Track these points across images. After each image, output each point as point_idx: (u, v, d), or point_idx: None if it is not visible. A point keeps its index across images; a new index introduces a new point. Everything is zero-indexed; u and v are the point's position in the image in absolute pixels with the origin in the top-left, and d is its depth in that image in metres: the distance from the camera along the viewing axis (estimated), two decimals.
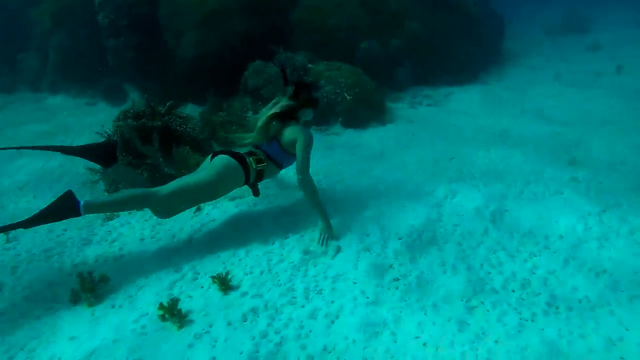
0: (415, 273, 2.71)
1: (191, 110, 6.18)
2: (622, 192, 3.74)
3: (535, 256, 2.88)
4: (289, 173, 3.95)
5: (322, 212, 3.06)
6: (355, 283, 2.64)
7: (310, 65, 6.60)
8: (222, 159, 3.00)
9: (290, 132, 3.12)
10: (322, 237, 3.02)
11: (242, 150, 3.19)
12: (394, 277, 2.68)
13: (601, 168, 4.31)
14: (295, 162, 3.11)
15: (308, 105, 3.25)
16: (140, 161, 3.93)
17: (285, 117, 3.18)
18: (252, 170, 3.07)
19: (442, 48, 8.13)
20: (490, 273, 2.71)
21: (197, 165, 3.46)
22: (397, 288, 2.59)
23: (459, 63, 8.44)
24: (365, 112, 6.06)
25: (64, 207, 2.53)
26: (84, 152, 3.03)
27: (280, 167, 3.30)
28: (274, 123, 3.16)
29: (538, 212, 3.41)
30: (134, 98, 6.01)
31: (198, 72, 6.68)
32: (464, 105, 6.85)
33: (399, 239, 3.06)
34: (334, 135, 5.75)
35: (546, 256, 2.87)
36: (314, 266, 2.83)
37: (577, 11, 16.18)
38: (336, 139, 5.56)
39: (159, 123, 4.12)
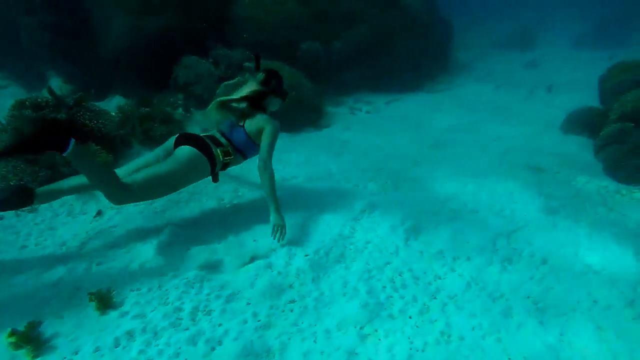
0: (315, 294, 2.60)
1: (118, 102, 5.77)
2: None
3: (440, 279, 2.84)
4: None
5: (276, 203, 2.95)
6: (248, 304, 2.49)
7: (247, 63, 6.37)
8: (189, 151, 2.86)
9: (257, 121, 3.07)
10: (275, 231, 2.90)
11: (206, 135, 3.08)
12: (291, 299, 2.55)
13: None
14: (258, 154, 3.04)
15: (277, 94, 3.21)
16: (37, 157, 3.56)
17: (255, 102, 3.12)
18: (218, 163, 3.01)
19: (391, 53, 8.15)
20: (391, 297, 2.63)
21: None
22: (291, 310, 2.46)
23: (408, 70, 8.50)
24: (301, 116, 5.93)
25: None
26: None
27: (245, 157, 3.22)
28: (243, 105, 3.08)
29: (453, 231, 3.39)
30: (51, 85, 5.52)
31: (129, 63, 6.28)
32: (402, 114, 6.86)
33: (305, 255, 2.93)
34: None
35: (450, 279, 2.84)
36: (209, 282, 2.64)
37: (523, 28, 16.96)
38: None
39: (64, 116, 3.77)
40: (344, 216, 3.47)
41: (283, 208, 3.05)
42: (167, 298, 2.50)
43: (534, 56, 13.61)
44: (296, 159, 4.72)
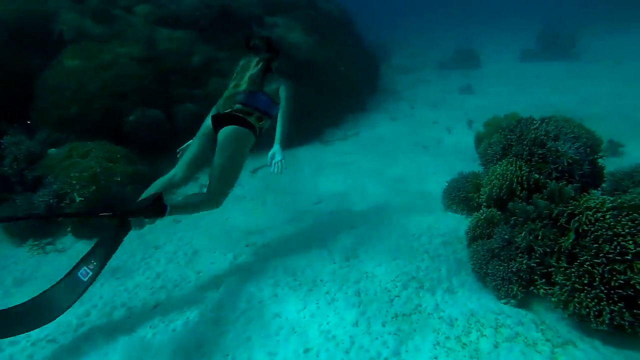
0: None
1: None
2: None
3: None
4: None
5: (284, 140, 3.14)
6: None
7: (52, 150, 5.05)
8: (233, 130, 3.14)
9: (272, 82, 3.36)
10: (275, 161, 3.00)
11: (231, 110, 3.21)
12: None
13: None
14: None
15: (277, 53, 3.59)
16: None
17: (269, 68, 3.45)
18: (257, 129, 3.27)
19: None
20: None
21: None
22: None
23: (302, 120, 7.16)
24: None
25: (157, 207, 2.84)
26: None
27: (270, 117, 3.38)
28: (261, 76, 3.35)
29: None
30: None
31: None
32: (271, 181, 5.50)
33: None
34: (55, 253, 4.20)
35: None
36: None
37: (470, 45, 15.95)
38: (56, 258, 4.02)
39: None
40: None
41: None
42: None
43: (474, 77, 12.45)
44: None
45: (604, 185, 3.46)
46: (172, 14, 6.67)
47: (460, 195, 4.11)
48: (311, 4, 9.24)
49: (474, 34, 21.48)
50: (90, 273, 2.59)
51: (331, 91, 8.36)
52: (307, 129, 7.49)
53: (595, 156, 3.40)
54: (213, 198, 3.14)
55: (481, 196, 3.61)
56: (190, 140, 3.43)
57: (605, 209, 2.68)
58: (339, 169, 5.89)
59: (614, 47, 14.56)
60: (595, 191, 3.22)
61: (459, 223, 4.01)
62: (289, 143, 7.19)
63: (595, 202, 2.77)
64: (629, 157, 5.56)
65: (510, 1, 30.40)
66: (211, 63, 6.66)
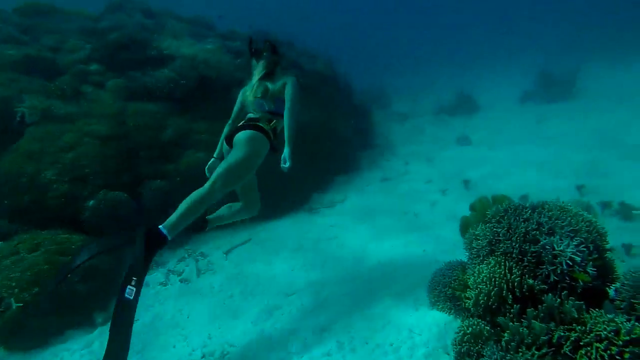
0: None
1: None
2: None
3: None
4: None
5: (292, 140, 3.24)
6: None
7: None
8: (243, 133, 3.32)
9: (277, 80, 3.49)
10: (285, 166, 3.18)
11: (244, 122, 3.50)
12: None
13: None
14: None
15: (282, 56, 3.74)
16: None
17: (274, 70, 3.59)
18: (270, 132, 3.39)
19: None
20: None
21: None
22: None
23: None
24: (51, 321, 4.04)
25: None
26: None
27: (282, 115, 3.37)
28: (267, 83, 3.48)
29: None
30: None
31: None
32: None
33: None
34: None
35: None
36: None
37: (469, 86, 15.72)
38: None
39: None
40: None
41: None
42: None
43: (472, 124, 12.05)
44: None
45: (616, 288, 2.81)
46: (145, 87, 6.43)
47: (447, 291, 3.51)
48: (297, 65, 9.06)
49: (474, 73, 21.41)
50: (135, 289, 2.68)
51: (319, 153, 7.97)
52: (292, 195, 7.05)
53: (600, 254, 2.81)
54: (208, 188, 3.07)
55: (467, 301, 3.02)
56: (212, 159, 3.77)
57: (621, 342, 2.08)
58: (319, 249, 5.34)
59: (613, 84, 14.15)
60: (607, 304, 2.60)
61: (445, 327, 3.39)
62: (272, 213, 6.86)
63: (606, 328, 2.18)
64: None
65: (511, 37, 30.63)
66: (185, 136, 6.33)
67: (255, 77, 3.51)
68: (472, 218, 3.54)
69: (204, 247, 5.67)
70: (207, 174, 3.64)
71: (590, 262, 2.70)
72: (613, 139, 8.48)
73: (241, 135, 3.29)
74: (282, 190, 6.88)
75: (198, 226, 3.25)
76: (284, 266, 4.99)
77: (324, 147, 8.12)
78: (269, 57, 3.59)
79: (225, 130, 3.70)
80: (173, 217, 2.91)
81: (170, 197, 5.86)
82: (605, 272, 2.83)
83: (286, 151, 3.19)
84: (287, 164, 3.16)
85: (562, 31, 25.06)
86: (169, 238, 2.80)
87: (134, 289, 2.64)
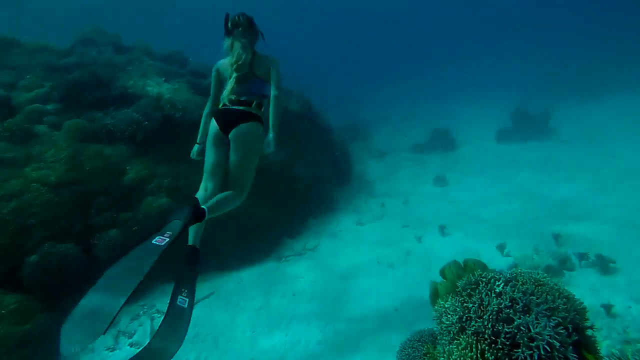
0: None
1: None
2: None
3: None
4: None
5: (278, 124, 3.34)
6: None
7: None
8: (244, 128, 3.29)
9: (261, 62, 3.40)
10: (269, 151, 3.33)
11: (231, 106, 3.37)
12: None
13: None
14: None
15: (260, 34, 3.50)
16: None
17: (252, 51, 3.42)
18: (262, 116, 3.42)
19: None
20: None
21: None
22: None
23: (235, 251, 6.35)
24: None
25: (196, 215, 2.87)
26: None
27: (267, 96, 3.42)
28: (250, 57, 3.36)
29: None
30: None
31: None
32: None
33: None
34: None
35: None
36: None
37: (447, 122, 15.83)
38: None
39: None
40: None
41: None
42: None
43: (449, 163, 11.99)
44: None
45: None
46: (106, 128, 6.09)
47: None
48: None
49: (452, 107, 21.70)
50: (187, 299, 3.01)
51: (292, 194, 7.68)
52: (261, 243, 6.68)
53: (580, 334, 2.53)
54: (239, 193, 3.30)
55: None
56: (196, 145, 3.73)
57: None
58: (284, 308, 4.96)
59: (586, 121, 14.45)
60: None
61: None
62: (239, 263, 6.47)
63: None
64: (624, 276, 4.74)
65: (488, 73, 31.46)
66: (146, 180, 5.97)
67: (236, 57, 3.31)
68: (441, 287, 3.24)
69: (160, 303, 5.21)
70: (194, 157, 3.74)
71: (570, 347, 2.42)
72: (590, 177, 8.45)
73: (241, 130, 3.28)
74: (252, 236, 6.54)
75: (199, 216, 3.00)
76: (246, 327, 4.58)
77: (298, 187, 7.84)
78: (247, 33, 3.39)
79: (207, 112, 3.64)
80: (213, 202, 3.14)
81: (125, 249, 5.44)
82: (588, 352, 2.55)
83: (270, 136, 3.31)
84: (271, 149, 3.30)
85: (537, 69, 25.81)
86: (207, 217, 2.95)
87: (187, 299, 3.06)
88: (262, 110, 3.45)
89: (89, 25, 10.24)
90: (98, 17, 17.22)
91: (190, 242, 3.27)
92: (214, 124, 3.38)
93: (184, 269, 3.13)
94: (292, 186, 7.71)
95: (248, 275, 5.89)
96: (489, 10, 47.81)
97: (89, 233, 5.26)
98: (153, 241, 2.55)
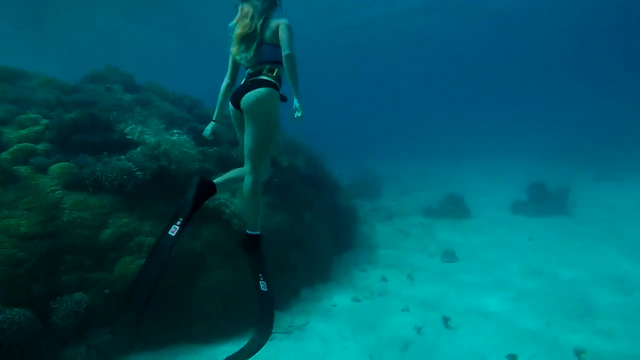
0: None
1: None
2: None
3: None
4: None
5: (298, 86, 3.08)
6: None
7: None
8: (250, 95, 3.10)
9: (270, 26, 3.20)
10: (297, 116, 3.12)
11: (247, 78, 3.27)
12: None
13: None
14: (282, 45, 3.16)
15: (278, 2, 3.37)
16: None
17: (269, 11, 3.27)
18: (276, 82, 3.20)
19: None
20: None
21: None
22: None
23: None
24: None
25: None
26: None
27: (281, 62, 3.17)
28: (261, 22, 3.22)
29: None
30: None
31: None
32: None
33: None
34: None
35: None
36: None
37: (459, 187, 15.31)
38: None
39: None
40: None
41: None
42: None
43: (459, 233, 11.36)
44: None
45: None
46: (94, 176, 5.69)
47: None
48: (274, 162, 8.43)
49: (465, 170, 21.30)
50: (265, 282, 3.26)
51: (287, 264, 7.12)
52: (245, 317, 6.04)
53: None
54: (249, 171, 3.19)
55: None
56: (212, 122, 3.65)
57: None
58: None
59: (606, 201, 13.79)
60: None
61: None
62: (217, 338, 5.83)
63: None
64: None
65: (504, 140, 31.30)
66: (127, 237, 5.49)
67: (246, 26, 3.21)
68: None
69: None
70: (207, 136, 3.68)
71: None
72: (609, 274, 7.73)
73: (251, 97, 3.10)
74: (235, 309, 5.93)
75: (210, 191, 3.14)
76: None
77: (292, 256, 7.27)
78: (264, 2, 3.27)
79: (224, 87, 3.48)
80: (226, 177, 3.35)
81: (91, 315, 4.89)
82: None
83: (296, 102, 3.15)
84: (300, 114, 3.12)
85: (555, 140, 25.54)
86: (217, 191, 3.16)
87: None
88: (276, 75, 3.22)
89: (107, 62, 10.18)
90: (123, 57, 17.42)
91: (247, 230, 3.26)
92: (230, 105, 3.35)
93: (248, 257, 3.23)
94: (286, 253, 7.15)
95: (224, 352, 5.22)
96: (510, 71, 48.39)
97: (52, 296, 4.73)
98: (169, 232, 2.93)
